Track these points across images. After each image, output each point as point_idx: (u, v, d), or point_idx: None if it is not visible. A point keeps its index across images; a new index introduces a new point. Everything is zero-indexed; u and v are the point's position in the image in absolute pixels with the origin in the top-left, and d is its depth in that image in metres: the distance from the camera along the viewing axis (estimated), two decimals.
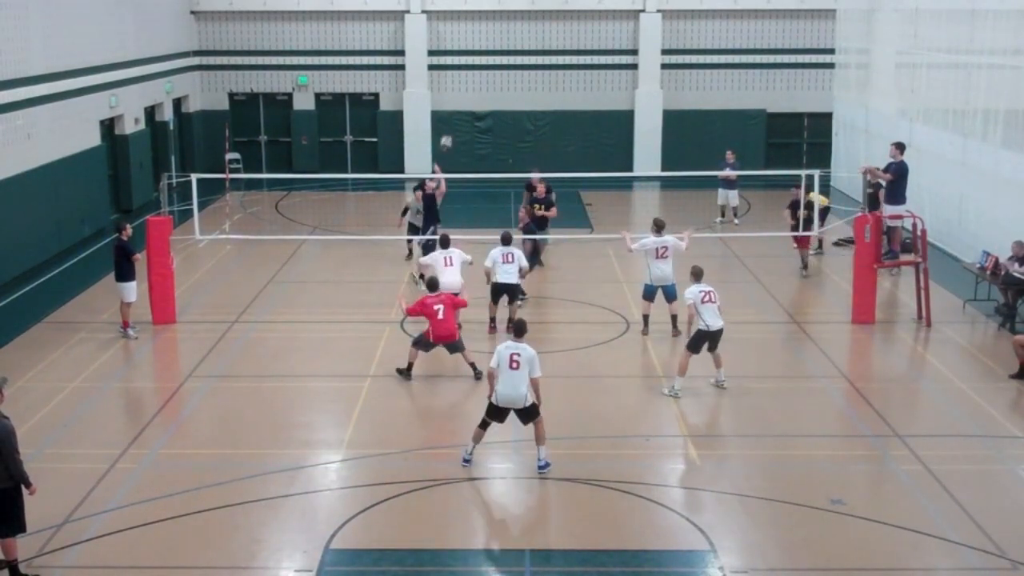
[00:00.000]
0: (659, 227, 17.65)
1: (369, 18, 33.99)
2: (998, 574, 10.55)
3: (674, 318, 17.53)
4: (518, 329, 12.89)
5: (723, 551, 10.79)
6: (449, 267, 17.23)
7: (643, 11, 33.43)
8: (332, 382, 15.31)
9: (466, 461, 12.67)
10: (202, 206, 23.57)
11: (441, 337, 15.39)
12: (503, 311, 17.70)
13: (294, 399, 14.98)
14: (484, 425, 12.64)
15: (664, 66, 33.75)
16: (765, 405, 14.84)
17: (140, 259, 17.89)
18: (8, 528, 10.08)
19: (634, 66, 33.83)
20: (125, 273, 17.60)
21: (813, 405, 14.94)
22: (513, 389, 12.39)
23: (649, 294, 17.58)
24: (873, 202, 20.71)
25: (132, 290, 17.66)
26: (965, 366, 16.42)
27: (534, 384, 12.46)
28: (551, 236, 21.85)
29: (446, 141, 25.03)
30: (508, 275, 17.58)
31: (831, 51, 32.18)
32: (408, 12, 33.50)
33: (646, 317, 17.70)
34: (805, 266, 21.32)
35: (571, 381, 15.73)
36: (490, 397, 12.61)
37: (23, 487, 10.13)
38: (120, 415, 14.97)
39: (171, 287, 18.32)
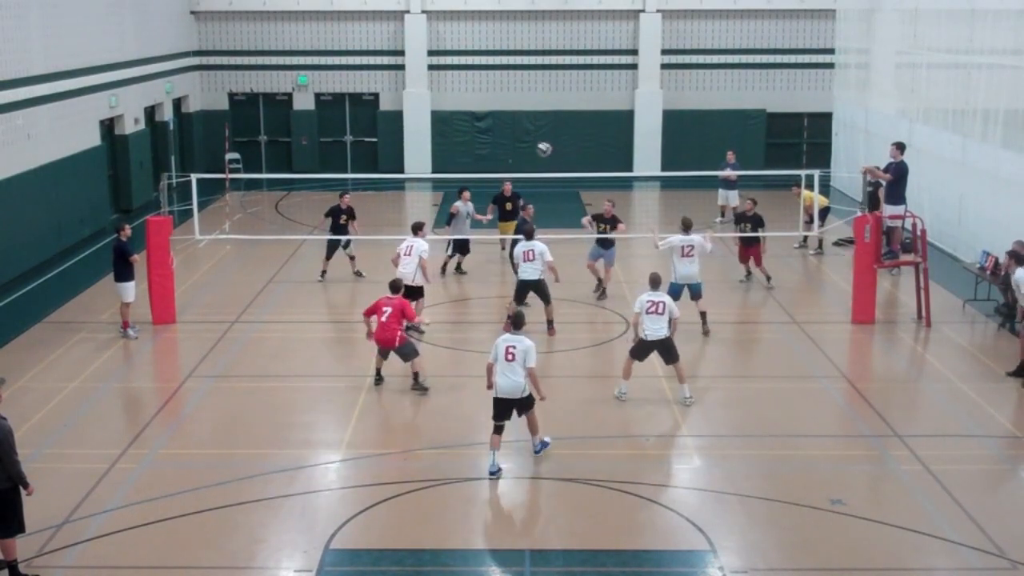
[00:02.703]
0: (686, 226, 17.62)
1: (369, 18, 33.99)
2: (998, 574, 10.55)
3: (703, 315, 17.55)
4: (516, 322, 12.88)
5: (723, 551, 10.78)
6: (406, 257, 17.43)
7: (643, 11, 33.43)
8: (332, 382, 15.29)
9: (492, 474, 12.50)
10: (202, 206, 23.57)
11: (378, 340, 14.99)
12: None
13: (294, 399, 14.97)
14: (499, 430, 12.64)
15: (664, 66, 33.75)
16: (765, 405, 14.84)
17: (139, 260, 17.88)
18: (7, 529, 10.07)
19: (634, 66, 33.83)
20: (123, 273, 17.59)
21: (813, 405, 14.94)
22: (509, 380, 12.52)
23: (675, 292, 17.18)
24: (873, 201, 20.69)
25: (131, 290, 17.66)
26: (965, 366, 16.41)
27: (530, 374, 12.57)
28: (552, 237, 21.74)
29: (544, 148, 23.56)
30: (531, 272, 17.58)
31: (831, 51, 32.18)
32: (408, 12, 33.49)
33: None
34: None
35: (572, 381, 15.74)
36: (489, 388, 12.70)
37: (21, 488, 10.12)
38: (120, 415, 14.98)
39: (171, 287, 18.32)
